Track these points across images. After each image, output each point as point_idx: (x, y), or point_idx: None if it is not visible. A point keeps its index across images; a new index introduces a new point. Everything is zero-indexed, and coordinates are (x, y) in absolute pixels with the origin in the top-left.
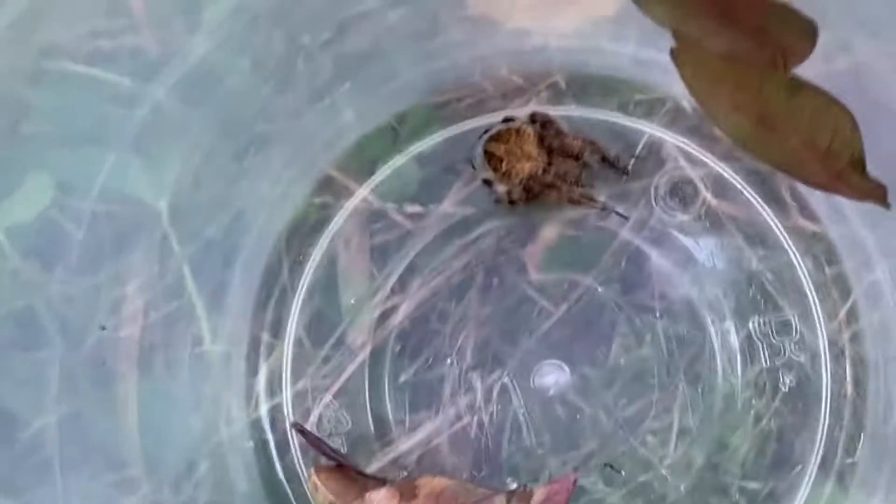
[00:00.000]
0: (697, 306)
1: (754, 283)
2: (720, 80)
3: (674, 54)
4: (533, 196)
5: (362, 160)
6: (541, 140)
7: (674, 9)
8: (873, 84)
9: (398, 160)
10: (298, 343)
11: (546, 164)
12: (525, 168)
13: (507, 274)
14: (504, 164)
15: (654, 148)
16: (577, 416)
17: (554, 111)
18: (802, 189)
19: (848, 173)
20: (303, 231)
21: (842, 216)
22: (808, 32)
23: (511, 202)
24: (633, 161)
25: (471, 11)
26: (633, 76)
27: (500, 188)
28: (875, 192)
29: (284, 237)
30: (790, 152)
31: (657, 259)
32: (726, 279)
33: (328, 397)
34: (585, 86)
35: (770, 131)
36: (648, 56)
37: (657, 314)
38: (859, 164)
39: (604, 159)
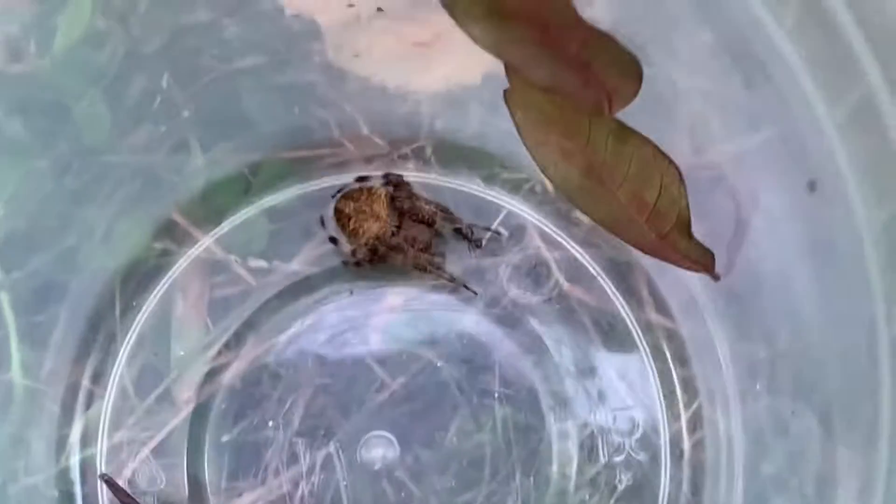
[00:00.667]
0: (540, 395)
1: (600, 376)
2: (550, 125)
3: (506, 95)
4: (378, 258)
5: (209, 208)
6: (392, 201)
7: (493, 29)
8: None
9: (248, 212)
10: (121, 392)
11: (395, 226)
12: (373, 228)
13: (347, 340)
14: (352, 223)
15: (513, 225)
16: (404, 496)
17: (415, 177)
18: (660, 283)
19: (674, 235)
20: (139, 275)
21: (698, 315)
22: (632, 70)
23: (356, 263)
24: (487, 235)
25: (335, 64)
26: (500, 150)
27: (346, 247)
28: (702, 260)
29: (119, 279)
30: (617, 208)
31: (504, 341)
32: (572, 369)
33: (145, 452)
34: (451, 155)
35: (597, 184)
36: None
37: (499, 399)
38: (685, 224)
39: (457, 230)
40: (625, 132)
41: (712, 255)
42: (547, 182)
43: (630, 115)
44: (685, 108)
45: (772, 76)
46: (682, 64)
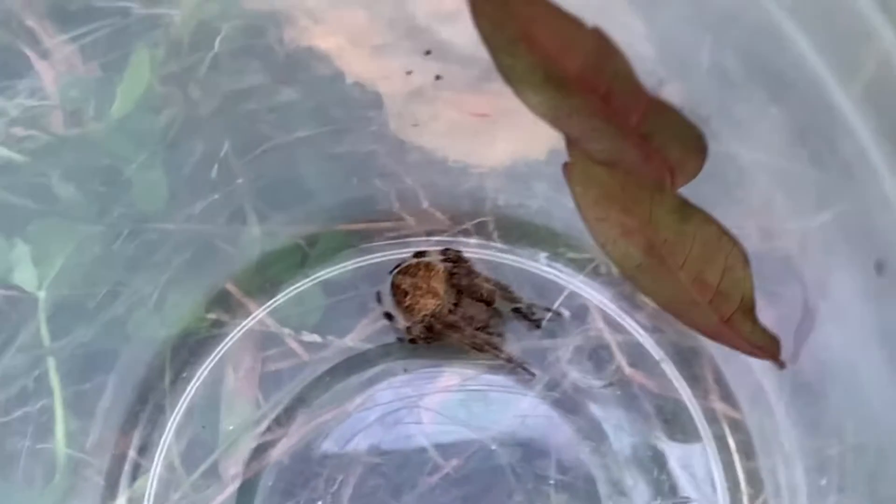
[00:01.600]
0: (598, 483)
1: (661, 465)
2: (610, 200)
3: (565, 168)
4: (434, 335)
5: (264, 279)
6: (450, 278)
7: (551, 98)
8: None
9: (303, 284)
10: (168, 465)
11: (452, 303)
12: (429, 304)
13: (400, 419)
14: (408, 299)
15: (575, 306)
16: None
17: (476, 253)
18: (726, 371)
19: (738, 319)
20: (190, 346)
21: (765, 405)
22: (695, 144)
23: (412, 340)
24: (548, 316)
25: (396, 134)
26: (565, 229)
27: (401, 323)
28: (766, 347)
29: (169, 349)
30: (678, 289)
31: (562, 426)
32: (631, 456)
33: None
34: (514, 231)
35: (658, 262)
36: None
37: (555, 486)
38: (749, 308)
39: (516, 309)
40: (688, 210)
41: (778, 342)
42: (612, 262)
43: (693, 191)
44: (750, 186)
45: (838, 150)
46: (748, 139)
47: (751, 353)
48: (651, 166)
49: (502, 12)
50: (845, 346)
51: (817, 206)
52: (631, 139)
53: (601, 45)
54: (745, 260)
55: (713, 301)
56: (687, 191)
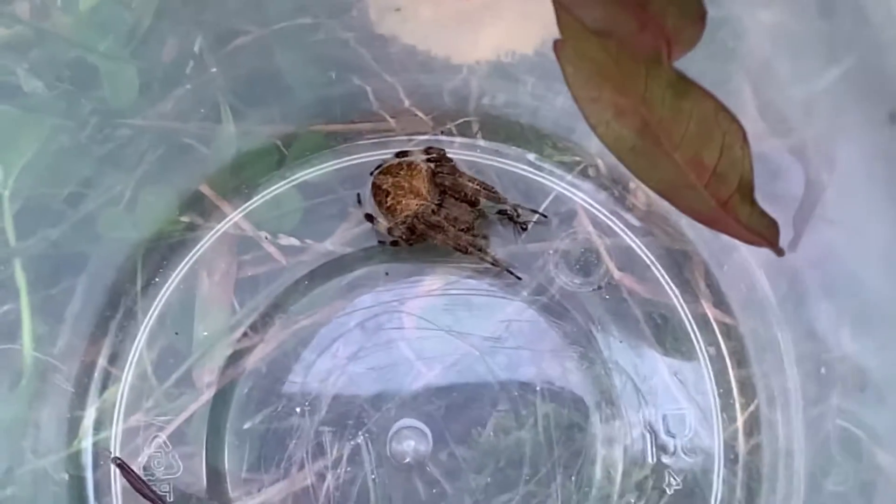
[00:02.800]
0: (586, 391)
1: (651, 373)
2: (603, 78)
3: (556, 47)
4: (417, 237)
5: (240, 181)
6: (433, 177)
7: None
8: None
9: (280, 186)
10: (140, 373)
11: (436, 204)
12: (412, 205)
13: (381, 325)
14: (390, 199)
15: (563, 209)
16: (436, 494)
17: (459, 154)
18: (719, 275)
19: (736, 202)
20: (163, 249)
21: (760, 311)
22: (694, 9)
23: (393, 242)
24: (535, 218)
25: (375, 27)
26: (552, 129)
27: (382, 224)
28: (765, 231)
29: (141, 252)
30: (674, 171)
31: (549, 332)
32: (621, 363)
33: (162, 437)
34: (499, 132)
35: (653, 144)
36: (574, 109)
37: (541, 394)
38: (748, 189)
39: (502, 211)
40: (684, 85)
41: (777, 226)
42: (601, 164)
43: (689, 62)
44: (751, 53)
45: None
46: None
47: (748, 241)
48: (647, 35)
49: None
50: (851, 234)
51: (825, 63)
52: (627, 5)
53: None
54: (744, 138)
55: (710, 183)
56: (682, 63)
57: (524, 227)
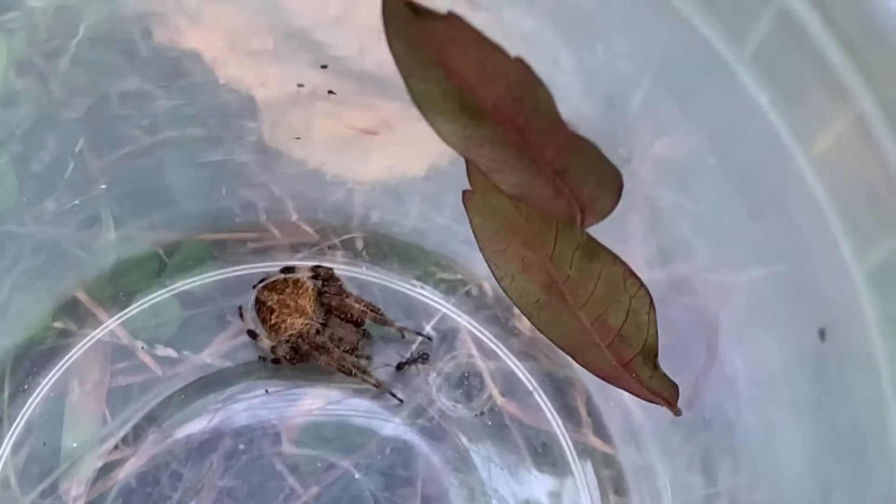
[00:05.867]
0: None
1: (530, 498)
2: (512, 233)
3: (465, 198)
4: (300, 357)
5: (117, 288)
6: (319, 297)
7: (465, 128)
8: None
9: (159, 295)
10: (3, 483)
11: (321, 323)
12: (296, 324)
13: (257, 442)
14: (274, 317)
15: (446, 330)
16: None
17: (343, 270)
18: (600, 403)
19: (638, 364)
20: (33, 355)
21: (637, 441)
22: (611, 183)
23: (275, 360)
24: (419, 341)
25: (270, 144)
26: (438, 249)
27: (265, 342)
28: (665, 392)
29: (10, 359)
30: (577, 329)
31: (428, 455)
32: (501, 491)
33: None
34: (385, 250)
35: (559, 301)
36: (459, 230)
37: None
38: (651, 354)
39: (420, 357)
40: (594, 248)
41: (677, 389)
42: (486, 286)
43: (601, 230)
44: (667, 231)
45: (787, 207)
46: (675, 184)
47: (647, 399)
48: (562, 202)
49: (419, 34)
50: (761, 408)
51: (750, 261)
52: (544, 174)
53: (523, 76)
54: (651, 305)
55: (613, 344)
56: (595, 229)
57: (425, 358)
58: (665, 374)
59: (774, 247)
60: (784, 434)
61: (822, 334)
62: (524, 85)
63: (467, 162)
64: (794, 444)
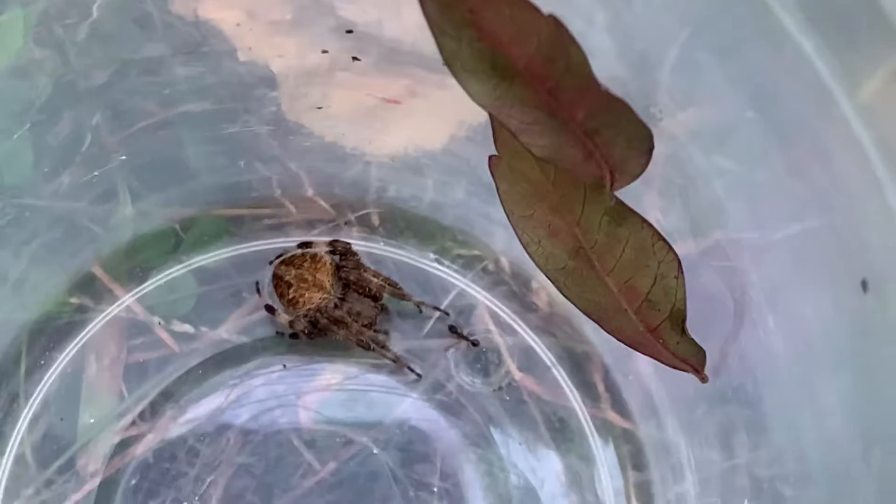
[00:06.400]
0: (482, 492)
1: (549, 474)
2: (538, 198)
3: (491, 163)
4: (318, 331)
5: (134, 264)
6: (337, 271)
7: (496, 89)
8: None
9: (176, 271)
10: (20, 459)
11: (339, 298)
12: (314, 298)
13: (275, 418)
14: (292, 291)
15: (464, 306)
16: None
17: (359, 246)
18: (618, 379)
19: (665, 329)
20: (50, 331)
21: (656, 416)
22: (642, 144)
23: (293, 335)
24: (437, 315)
25: (289, 116)
26: (455, 224)
27: (283, 317)
28: (692, 358)
29: (27, 334)
30: (605, 295)
31: (447, 431)
32: (520, 466)
33: None
34: (401, 226)
35: (586, 266)
36: (476, 205)
37: (437, 494)
38: (679, 319)
39: (454, 329)
40: (622, 212)
41: (704, 355)
42: (503, 261)
43: (629, 192)
44: (700, 191)
45: (830, 158)
46: (708, 141)
47: (674, 366)
48: (591, 164)
49: None
50: (796, 366)
51: (786, 218)
52: (574, 135)
53: (556, 35)
54: (679, 269)
55: (641, 309)
56: (624, 192)
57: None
58: (693, 340)
59: (814, 200)
60: (822, 393)
61: (864, 285)
62: (557, 44)
63: (494, 126)
64: (831, 403)
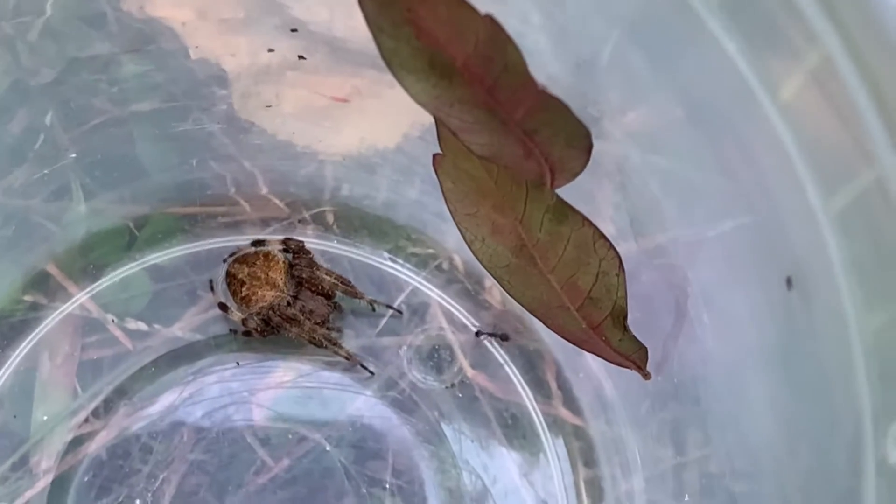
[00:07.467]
0: (435, 489)
1: (501, 471)
2: (482, 196)
3: (435, 161)
4: (271, 329)
5: (87, 261)
6: (290, 269)
7: (435, 88)
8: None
9: (129, 269)
10: None
11: (292, 296)
12: (267, 296)
13: (228, 415)
14: (245, 289)
15: (418, 304)
16: None
17: (314, 244)
18: (570, 376)
19: (607, 327)
20: (3, 329)
21: (606, 413)
22: (581, 143)
23: (246, 332)
24: (389, 313)
25: (240, 115)
26: (409, 222)
27: (236, 315)
28: (635, 355)
29: None
30: (547, 293)
31: (399, 428)
32: (472, 462)
33: None
34: (356, 224)
35: (528, 264)
36: (430, 204)
37: (390, 491)
38: (620, 316)
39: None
40: (564, 210)
41: (646, 352)
42: (457, 259)
43: (571, 191)
44: (637, 190)
45: (755, 157)
46: (645, 141)
47: (616, 363)
48: (532, 163)
49: None
50: (729, 363)
51: (718, 215)
52: (514, 134)
53: (493, 34)
54: (620, 266)
55: (583, 307)
56: (564, 191)
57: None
58: (634, 337)
59: (743, 198)
60: (752, 389)
61: (788, 283)
62: (494, 43)
63: (438, 125)
64: (762, 399)
